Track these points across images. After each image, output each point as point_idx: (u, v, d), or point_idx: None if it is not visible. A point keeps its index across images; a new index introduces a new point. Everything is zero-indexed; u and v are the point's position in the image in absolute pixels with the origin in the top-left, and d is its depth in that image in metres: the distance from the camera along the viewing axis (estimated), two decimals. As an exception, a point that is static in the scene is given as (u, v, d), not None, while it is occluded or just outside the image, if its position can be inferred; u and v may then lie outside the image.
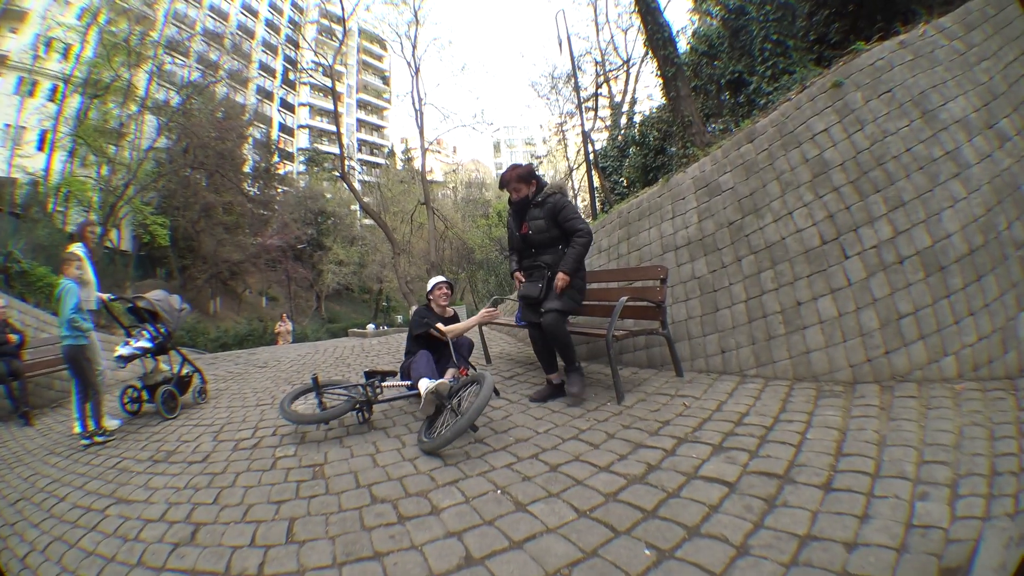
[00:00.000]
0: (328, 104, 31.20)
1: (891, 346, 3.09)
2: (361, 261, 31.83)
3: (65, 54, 22.62)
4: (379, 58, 52.34)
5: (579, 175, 24.02)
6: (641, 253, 4.95)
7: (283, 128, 41.78)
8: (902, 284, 3.15)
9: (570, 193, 22.56)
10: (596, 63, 22.09)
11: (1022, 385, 2.73)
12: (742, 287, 3.88)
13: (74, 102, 21.14)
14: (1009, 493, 1.78)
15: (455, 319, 4.07)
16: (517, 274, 3.74)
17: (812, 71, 6.56)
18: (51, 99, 22.34)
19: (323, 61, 25.50)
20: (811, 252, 3.54)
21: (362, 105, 51.49)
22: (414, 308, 4.26)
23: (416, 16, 23.19)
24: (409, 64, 23.52)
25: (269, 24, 41.88)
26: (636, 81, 20.88)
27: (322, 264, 30.89)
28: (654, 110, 13.42)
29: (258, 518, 2.31)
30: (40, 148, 21.16)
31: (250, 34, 38.96)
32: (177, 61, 27.37)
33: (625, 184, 12.56)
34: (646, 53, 14.34)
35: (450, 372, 3.64)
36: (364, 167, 45.44)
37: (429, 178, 27.57)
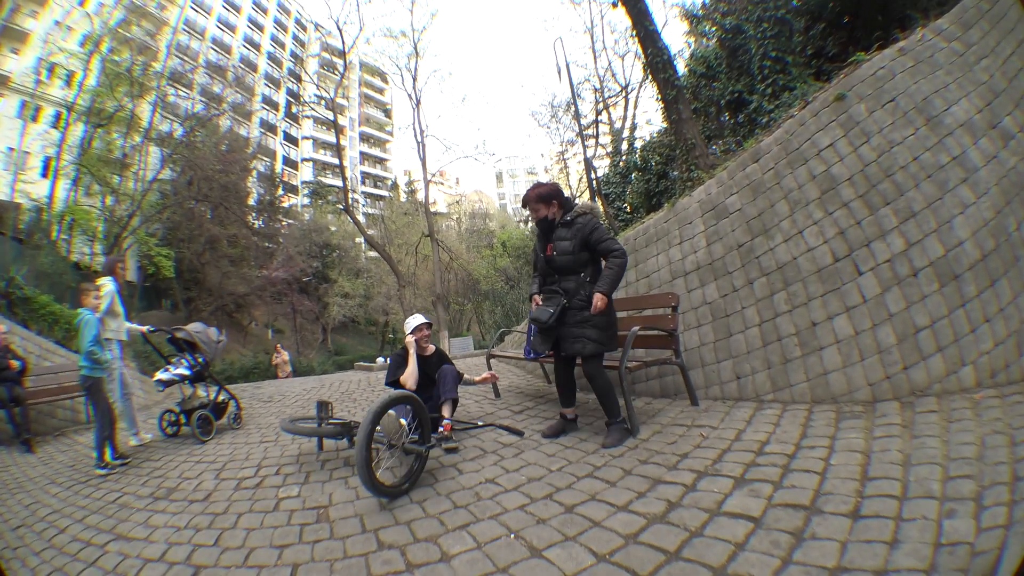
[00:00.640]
0: (331, 138, 31.66)
1: (909, 361, 3.02)
2: (367, 293, 31.83)
3: (68, 81, 22.43)
4: (380, 91, 53.41)
5: (581, 203, 24.10)
6: (650, 280, 4.89)
7: (287, 161, 42.35)
8: (917, 297, 3.10)
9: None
10: (595, 90, 22.53)
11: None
12: (755, 310, 3.81)
13: (78, 130, 20.94)
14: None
15: (437, 355, 4.09)
16: (536, 297, 3.56)
17: (812, 86, 6.57)
18: (54, 126, 21.99)
19: (325, 94, 25.89)
20: (824, 271, 3.49)
21: (365, 138, 52.49)
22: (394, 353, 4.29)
23: (416, 49, 23.29)
24: (410, 96, 23.60)
25: (271, 57, 42.61)
26: (635, 107, 21.30)
27: (328, 297, 30.93)
28: (654, 135, 13.53)
29: (260, 563, 2.23)
30: (44, 175, 21.04)
31: (253, 67, 39.70)
32: (181, 93, 27.76)
33: (628, 210, 12.56)
34: (645, 78, 14.57)
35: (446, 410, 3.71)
36: (368, 199, 46.00)
37: (433, 209, 27.75)
